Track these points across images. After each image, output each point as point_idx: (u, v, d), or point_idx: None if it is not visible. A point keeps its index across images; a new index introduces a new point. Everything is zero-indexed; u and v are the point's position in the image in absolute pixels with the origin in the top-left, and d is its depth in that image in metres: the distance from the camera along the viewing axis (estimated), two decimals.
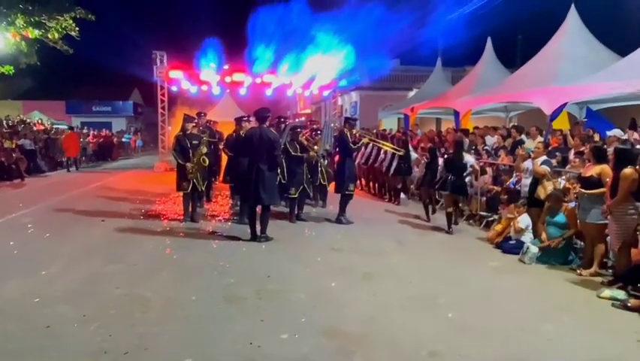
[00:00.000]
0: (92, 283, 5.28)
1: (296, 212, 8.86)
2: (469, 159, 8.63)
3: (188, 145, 8.34)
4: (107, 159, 24.55)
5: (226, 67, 18.30)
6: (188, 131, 8.45)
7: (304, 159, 8.91)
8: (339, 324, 4.30)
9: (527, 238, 6.84)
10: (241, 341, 3.92)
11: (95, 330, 4.07)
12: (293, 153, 8.74)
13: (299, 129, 9.59)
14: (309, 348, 3.85)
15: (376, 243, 7.39)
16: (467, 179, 8.67)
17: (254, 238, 7.24)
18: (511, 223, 7.14)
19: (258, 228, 7.29)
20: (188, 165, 8.30)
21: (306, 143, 9.03)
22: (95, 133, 26.06)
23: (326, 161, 10.61)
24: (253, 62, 17.79)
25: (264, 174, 7.06)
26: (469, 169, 8.50)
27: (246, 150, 7.34)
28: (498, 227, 7.52)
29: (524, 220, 6.99)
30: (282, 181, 9.78)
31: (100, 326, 4.15)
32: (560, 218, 6.48)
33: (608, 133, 8.60)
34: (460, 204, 9.07)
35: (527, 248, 6.43)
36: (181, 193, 8.64)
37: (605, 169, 5.80)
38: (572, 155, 8.20)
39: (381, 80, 25.53)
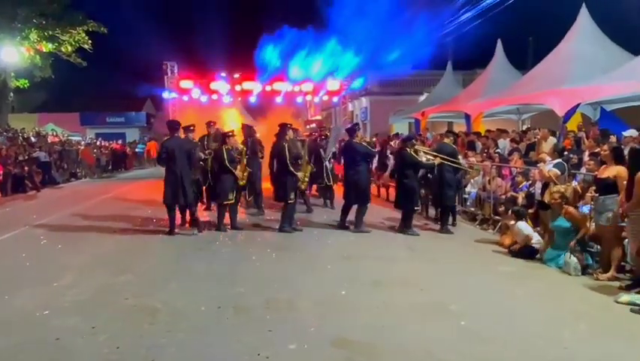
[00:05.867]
0: (101, 294, 5.29)
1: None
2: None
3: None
4: (121, 170, 24.81)
5: (236, 75, 18.47)
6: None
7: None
8: (348, 334, 4.23)
9: (536, 241, 6.74)
10: (248, 352, 3.88)
11: (104, 342, 4.06)
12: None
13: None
14: (317, 359, 3.79)
15: (387, 250, 7.31)
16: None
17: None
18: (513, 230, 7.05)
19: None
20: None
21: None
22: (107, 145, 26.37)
23: (330, 164, 10.69)
24: (263, 69, 17.93)
25: (186, 175, 8.11)
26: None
27: (169, 157, 8.10)
28: (509, 233, 7.38)
29: (524, 228, 6.87)
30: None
31: (108, 337, 4.14)
32: (562, 222, 6.28)
33: (624, 133, 8.43)
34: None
35: (570, 258, 6.01)
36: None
37: (621, 171, 5.66)
38: (586, 156, 8.05)
39: (391, 85, 25.55)
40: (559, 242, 6.31)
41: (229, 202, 8.56)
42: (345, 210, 8.70)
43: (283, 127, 8.75)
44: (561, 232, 6.29)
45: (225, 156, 8.39)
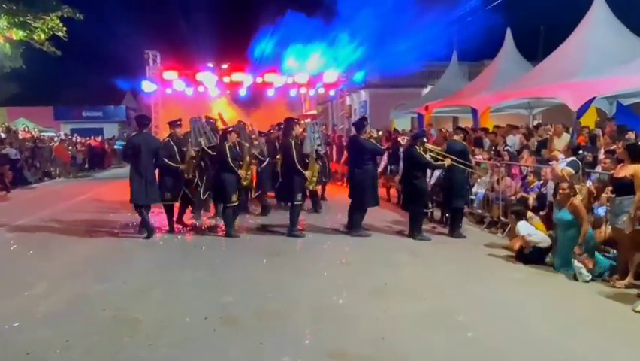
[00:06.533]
0: (77, 304, 5.26)
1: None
2: None
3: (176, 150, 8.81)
4: (98, 168, 24.69)
5: (224, 66, 18.40)
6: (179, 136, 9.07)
7: None
8: (345, 346, 4.22)
9: (539, 238, 6.79)
10: None
11: (79, 357, 4.03)
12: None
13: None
14: None
15: (388, 254, 7.31)
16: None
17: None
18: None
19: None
20: (181, 166, 8.71)
21: None
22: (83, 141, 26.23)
23: (318, 164, 10.56)
24: (254, 60, 17.92)
25: (150, 173, 8.29)
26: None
27: (135, 154, 8.16)
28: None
29: (523, 228, 6.93)
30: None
31: (84, 352, 4.11)
32: (564, 214, 6.33)
33: None
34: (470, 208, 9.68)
35: (580, 269, 5.99)
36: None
37: (639, 170, 5.68)
38: (601, 154, 8.08)
39: (392, 77, 25.53)
40: (561, 239, 6.39)
41: (233, 204, 8.48)
42: (351, 212, 8.69)
43: (290, 122, 8.66)
44: (563, 226, 6.35)
45: (228, 154, 8.25)
